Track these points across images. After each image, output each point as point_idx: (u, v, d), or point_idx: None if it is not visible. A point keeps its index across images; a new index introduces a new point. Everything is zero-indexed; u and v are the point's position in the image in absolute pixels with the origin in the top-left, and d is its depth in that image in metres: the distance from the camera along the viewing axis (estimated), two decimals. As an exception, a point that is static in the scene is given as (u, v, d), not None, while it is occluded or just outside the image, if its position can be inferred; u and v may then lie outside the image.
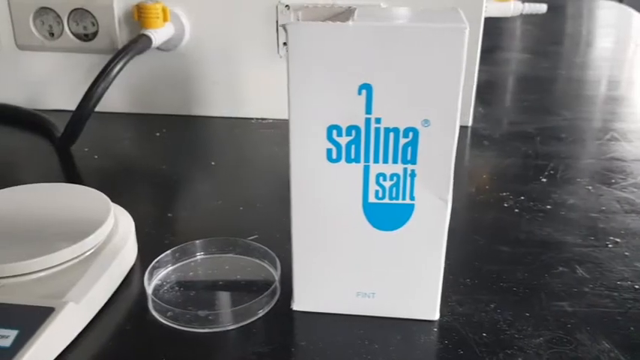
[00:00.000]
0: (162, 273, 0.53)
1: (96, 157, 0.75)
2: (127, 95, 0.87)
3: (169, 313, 0.47)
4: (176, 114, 0.88)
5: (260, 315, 0.47)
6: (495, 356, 0.43)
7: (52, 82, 0.87)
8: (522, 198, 0.65)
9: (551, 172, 0.72)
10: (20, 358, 0.40)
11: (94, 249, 0.49)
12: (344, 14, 0.44)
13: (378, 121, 0.41)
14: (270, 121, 0.87)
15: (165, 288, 0.51)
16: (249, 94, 0.87)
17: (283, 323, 0.47)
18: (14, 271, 0.46)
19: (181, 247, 0.54)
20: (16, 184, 0.57)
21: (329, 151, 0.42)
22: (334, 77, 0.40)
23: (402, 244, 0.44)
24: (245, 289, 0.51)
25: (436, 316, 0.47)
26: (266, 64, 0.83)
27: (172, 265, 0.54)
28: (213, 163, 0.74)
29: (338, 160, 0.42)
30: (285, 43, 0.41)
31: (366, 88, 0.40)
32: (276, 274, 0.51)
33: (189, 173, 0.73)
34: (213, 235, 0.55)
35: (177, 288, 0.51)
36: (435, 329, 0.46)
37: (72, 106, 0.73)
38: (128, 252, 0.52)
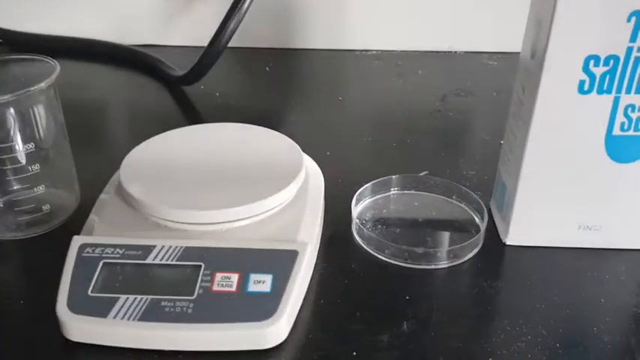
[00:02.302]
0: (360, 207, 0.52)
1: (217, 94, 0.73)
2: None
3: (387, 251, 0.47)
4: (277, 47, 0.85)
5: (475, 252, 0.47)
6: None
7: (134, 16, 0.83)
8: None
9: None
10: (285, 303, 0.39)
11: (297, 192, 0.48)
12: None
13: (640, 49, 0.40)
14: (374, 52, 0.85)
15: (369, 225, 0.50)
16: (353, 24, 0.84)
17: (500, 258, 0.47)
18: (236, 216, 0.45)
19: (379, 182, 0.53)
20: (144, 127, 0.55)
21: (581, 82, 0.41)
22: (605, 4, 0.38)
23: (637, 177, 0.44)
24: (449, 227, 0.50)
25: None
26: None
27: (370, 198, 0.53)
28: (340, 99, 0.73)
29: (589, 91, 0.41)
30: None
31: (637, 15, 0.39)
32: (478, 213, 0.51)
33: (322, 110, 0.71)
34: (379, 174, 0.54)
35: (380, 225, 0.50)
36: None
37: (159, 40, 0.69)
38: (322, 192, 0.51)
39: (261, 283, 0.40)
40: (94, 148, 0.62)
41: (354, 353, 0.38)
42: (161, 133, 0.53)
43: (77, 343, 0.39)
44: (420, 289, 0.44)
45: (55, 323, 0.39)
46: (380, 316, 0.42)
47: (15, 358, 0.38)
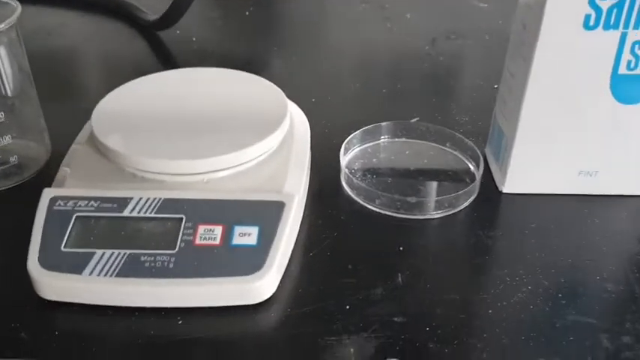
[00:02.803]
0: (349, 156, 0.50)
1: (194, 39, 0.69)
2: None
3: (378, 201, 0.45)
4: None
5: (470, 200, 0.45)
6: None
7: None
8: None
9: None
10: (273, 256, 0.37)
11: (282, 140, 0.45)
12: None
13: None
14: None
15: (359, 175, 0.48)
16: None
17: (496, 207, 0.45)
18: (218, 166, 0.42)
19: (369, 129, 0.50)
20: (117, 74, 0.51)
21: (587, 17, 0.38)
22: None
23: (641, 118, 0.42)
24: (442, 175, 0.48)
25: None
26: None
27: (359, 146, 0.51)
28: (325, 44, 0.69)
29: (595, 27, 0.38)
30: None
31: (649, -58, 0.36)
32: (472, 161, 0.49)
33: (306, 56, 0.67)
34: (369, 121, 0.52)
35: (370, 175, 0.48)
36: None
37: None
38: (308, 141, 0.48)
39: (246, 235, 0.38)
40: (64, 98, 0.58)
41: (347, 307, 0.36)
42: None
43: (51, 301, 0.36)
44: (413, 240, 0.42)
45: (27, 281, 0.37)
46: (373, 268, 0.39)
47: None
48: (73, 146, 0.45)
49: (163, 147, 0.42)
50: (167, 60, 0.68)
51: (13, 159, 0.45)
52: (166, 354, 0.33)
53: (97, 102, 0.46)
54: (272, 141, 0.44)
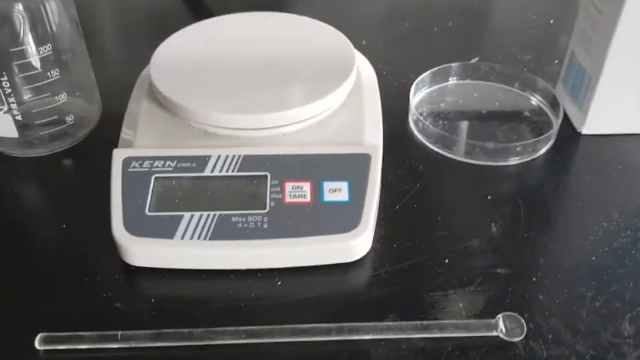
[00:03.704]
0: (416, 101, 0.47)
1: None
2: None
3: (455, 148, 0.43)
4: None
5: (550, 144, 0.44)
6: None
7: None
8: None
9: None
10: (368, 212, 0.35)
11: (352, 88, 0.43)
12: None
13: None
14: None
15: (429, 121, 0.46)
16: None
17: (577, 150, 0.44)
18: (295, 118, 0.39)
19: (436, 71, 0.48)
20: (166, 23, 0.48)
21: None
22: None
23: None
24: (516, 118, 0.46)
25: None
26: None
27: (426, 89, 0.49)
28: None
29: (699, -45, 0.36)
30: None
31: None
32: (545, 101, 0.47)
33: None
34: (425, 63, 0.49)
35: (441, 120, 0.46)
36: None
37: None
38: (376, 87, 0.46)
39: (337, 191, 0.36)
40: (109, 50, 0.55)
41: (446, 261, 0.35)
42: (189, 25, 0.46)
43: (139, 268, 0.35)
44: (500, 188, 0.40)
45: (108, 247, 0.35)
46: (463, 219, 0.38)
47: (70, 291, 0.34)
48: (131, 103, 0.43)
49: (235, 100, 0.40)
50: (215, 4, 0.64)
51: (70, 118, 0.42)
52: (273, 315, 0.32)
53: (146, 55, 0.44)
54: (345, 89, 0.41)
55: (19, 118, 0.40)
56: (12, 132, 0.41)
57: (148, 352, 0.31)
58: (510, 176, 0.42)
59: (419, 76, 0.48)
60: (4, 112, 0.40)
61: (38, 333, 0.31)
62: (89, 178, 0.41)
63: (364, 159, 0.38)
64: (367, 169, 0.37)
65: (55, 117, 0.42)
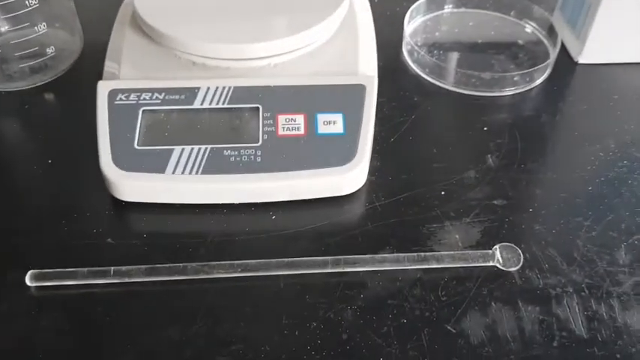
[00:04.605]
0: (410, 30, 0.46)
1: None
2: None
3: (450, 78, 0.42)
4: None
5: (547, 73, 0.43)
6: None
7: None
8: None
9: None
10: (364, 144, 0.34)
11: (344, 17, 0.41)
12: None
13: None
14: None
15: (424, 50, 0.44)
16: None
17: (574, 79, 0.43)
18: (285, 48, 0.38)
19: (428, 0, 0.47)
20: None
21: None
22: None
23: None
24: (512, 47, 0.45)
25: None
26: None
27: (421, 18, 0.47)
28: None
29: None
30: None
31: None
32: (542, 30, 0.46)
33: None
34: None
35: (435, 50, 0.45)
36: None
37: None
38: (370, 15, 0.44)
39: (331, 124, 0.35)
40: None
41: (442, 193, 0.35)
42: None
43: (128, 203, 0.34)
44: (496, 118, 0.40)
45: (95, 181, 0.34)
46: (460, 151, 0.37)
47: (60, 227, 0.33)
48: (114, 34, 0.41)
49: (223, 30, 0.38)
50: None
51: (50, 50, 0.41)
52: (268, 249, 0.32)
53: None
54: (337, 17, 0.40)
55: (-3, 50, 0.39)
56: (-10, 65, 0.39)
57: (143, 287, 0.30)
58: (506, 107, 0.41)
59: (411, 4, 0.46)
60: (-19, 44, 0.38)
61: (28, 270, 0.31)
62: (73, 112, 0.40)
63: (359, 90, 0.36)
64: (362, 101, 0.36)
65: (36, 49, 0.40)
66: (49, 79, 0.42)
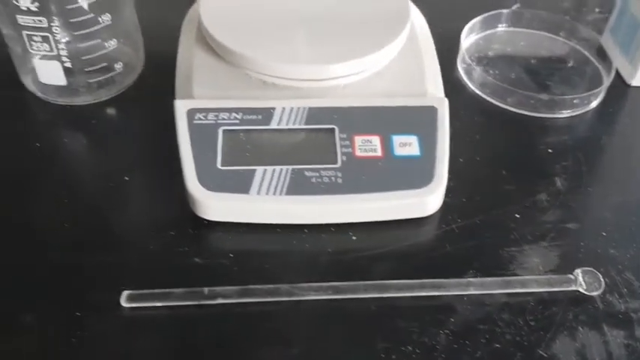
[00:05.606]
0: (464, 48, 0.46)
1: None
2: None
3: (510, 99, 0.43)
4: None
5: (602, 96, 0.43)
6: None
7: None
8: None
9: None
10: (441, 166, 0.35)
11: (407, 38, 0.42)
12: None
13: None
14: None
15: (480, 70, 0.45)
16: None
17: (630, 101, 0.44)
18: (356, 69, 0.38)
19: (484, 19, 0.47)
20: None
21: None
22: None
23: None
24: (565, 69, 0.46)
25: None
26: None
27: (475, 36, 0.48)
28: None
29: None
30: None
31: None
32: (592, 51, 0.46)
33: None
34: (461, 10, 0.48)
35: (491, 70, 0.45)
36: None
37: None
38: (430, 36, 0.45)
39: (407, 146, 0.36)
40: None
41: (517, 215, 0.36)
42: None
43: (212, 222, 0.34)
44: (558, 140, 0.40)
45: (175, 200, 0.34)
46: (528, 173, 0.38)
47: (146, 246, 0.33)
48: (181, 50, 0.41)
49: (294, 50, 0.38)
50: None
51: (118, 66, 0.41)
52: (353, 270, 0.32)
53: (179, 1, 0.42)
54: (404, 37, 0.40)
55: (68, 65, 0.39)
56: (60, 79, 0.39)
57: (236, 308, 0.31)
58: (566, 128, 0.42)
59: (455, 22, 0.47)
60: (53, 59, 0.38)
61: (119, 289, 0.31)
62: (140, 127, 0.40)
63: (431, 111, 0.37)
64: (435, 122, 0.37)
65: (105, 64, 0.40)
66: (114, 94, 0.42)
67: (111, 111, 0.41)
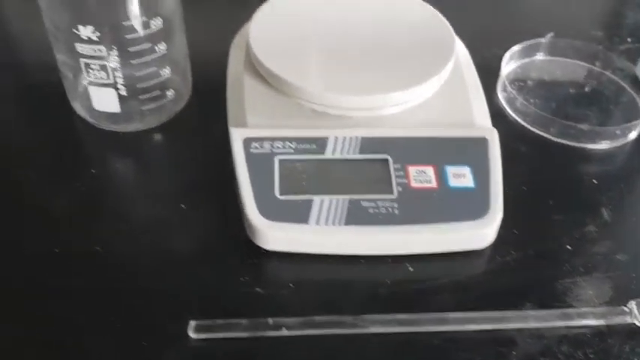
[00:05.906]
0: (505, 74, 0.47)
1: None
2: None
3: (552, 129, 0.43)
4: None
5: (638, 131, 0.44)
6: None
7: None
8: None
9: None
10: (495, 199, 0.35)
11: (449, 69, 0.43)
12: None
13: None
14: None
15: (521, 97, 0.45)
16: None
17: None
18: (405, 99, 0.39)
19: (524, 48, 0.48)
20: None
21: None
22: None
23: None
24: (602, 98, 0.46)
25: None
26: None
27: (514, 65, 0.49)
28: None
29: None
30: None
31: None
32: (626, 80, 0.47)
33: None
34: (496, 39, 0.49)
35: (531, 99, 0.46)
36: None
37: None
38: (473, 66, 0.45)
39: (461, 177, 0.36)
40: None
41: (568, 247, 0.36)
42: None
43: (270, 251, 0.35)
44: (602, 171, 0.41)
45: (231, 229, 0.35)
46: (574, 203, 0.39)
47: (205, 275, 0.34)
48: (231, 77, 0.42)
49: (346, 79, 0.39)
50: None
51: (170, 93, 0.41)
52: (412, 302, 0.33)
53: (231, 25, 0.42)
54: (450, 67, 0.41)
55: (123, 92, 0.39)
56: (114, 107, 0.40)
57: (299, 339, 0.31)
58: (608, 159, 0.42)
59: (492, 50, 0.48)
60: (108, 87, 0.39)
61: (184, 319, 0.31)
62: (192, 154, 0.41)
63: (482, 142, 0.38)
64: (486, 153, 0.37)
65: (158, 92, 0.40)
66: (163, 121, 0.42)
67: (162, 138, 0.42)
